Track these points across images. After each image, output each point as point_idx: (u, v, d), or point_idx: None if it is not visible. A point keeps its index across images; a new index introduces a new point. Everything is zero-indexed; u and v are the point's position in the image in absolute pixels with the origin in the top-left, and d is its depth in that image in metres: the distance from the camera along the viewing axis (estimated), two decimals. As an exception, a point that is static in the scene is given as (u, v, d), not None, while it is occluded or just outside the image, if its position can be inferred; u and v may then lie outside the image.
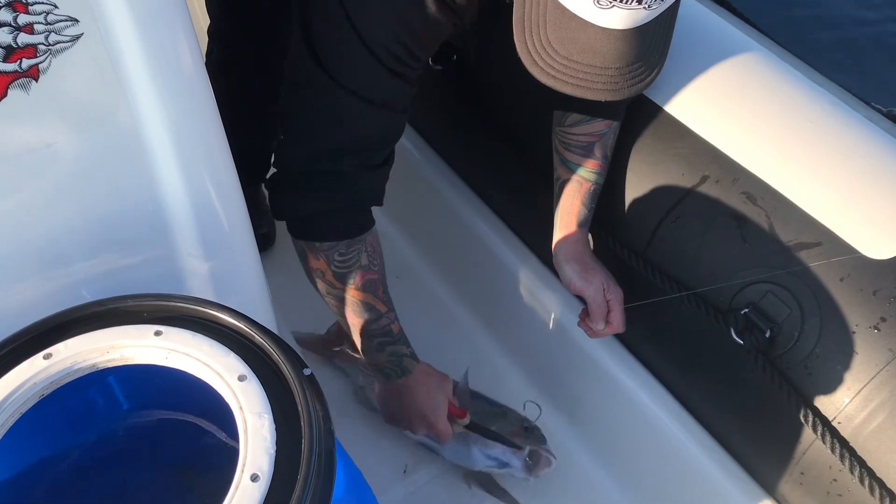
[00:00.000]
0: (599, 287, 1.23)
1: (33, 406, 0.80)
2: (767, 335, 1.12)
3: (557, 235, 1.28)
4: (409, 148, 1.70)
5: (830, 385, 1.08)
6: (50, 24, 0.84)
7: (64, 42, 0.85)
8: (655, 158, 1.28)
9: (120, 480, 0.92)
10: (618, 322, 1.24)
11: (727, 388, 1.21)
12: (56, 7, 0.83)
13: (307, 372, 0.81)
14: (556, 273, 1.34)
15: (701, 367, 1.25)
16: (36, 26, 0.83)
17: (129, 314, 0.86)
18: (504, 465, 1.41)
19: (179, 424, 0.89)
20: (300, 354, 0.84)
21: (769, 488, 1.21)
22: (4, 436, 0.77)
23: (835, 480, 1.08)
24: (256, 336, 0.83)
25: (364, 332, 1.28)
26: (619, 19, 0.93)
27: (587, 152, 1.26)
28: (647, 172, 1.28)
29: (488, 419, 1.42)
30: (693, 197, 1.23)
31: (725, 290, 1.16)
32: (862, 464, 1.05)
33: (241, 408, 0.77)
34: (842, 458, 1.05)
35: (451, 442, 1.41)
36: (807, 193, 1.16)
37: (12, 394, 0.78)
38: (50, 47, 0.85)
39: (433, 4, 1.11)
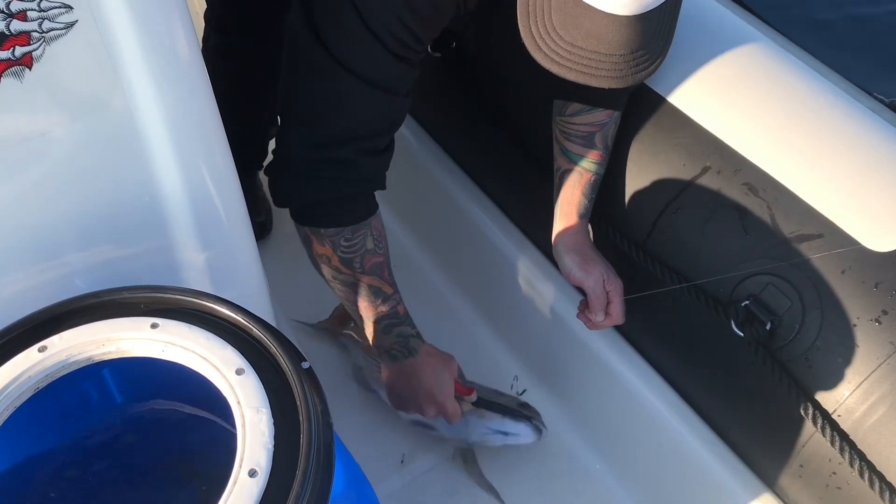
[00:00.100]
0: (599, 278, 1.22)
1: (28, 399, 0.80)
2: (768, 327, 1.11)
3: (557, 226, 1.27)
4: (408, 136, 1.69)
5: (831, 378, 1.08)
6: (43, 11, 0.82)
7: (58, 29, 0.84)
8: (656, 149, 1.27)
9: (117, 473, 0.91)
10: (617, 314, 1.23)
11: (727, 381, 1.21)
12: (50, -7, 0.82)
13: (305, 365, 0.81)
14: (554, 263, 1.33)
15: (701, 359, 1.25)
16: (29, 13, 0.81)
17: (125, 306, 0.85)
18: (508, 434, 1.41)
19: (177, 417, 0.89)
20: (298, 347, 0.83)
21: (768, 480, 1.21)
22: (-1, 429, 0.76)
23: (834, 473, 1.08)
24: (254, 329, 0.82)
25: (371, 315, 1.28)
26: (625, 5, 0.92)
27: (588, 142, 1.25)
28: (648, 163, 1.27)
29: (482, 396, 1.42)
30: (694, 188, 1.22)
31: (726, 282, 1.16)
32: (862, 457, 1.04)
33: (238, 402, 0.77)
34: (841, 451, 1.05)
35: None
36: (808, 185, 1.15)
37: (7, 387, 0.78)
38: (43, 35, 0.83)
39: None
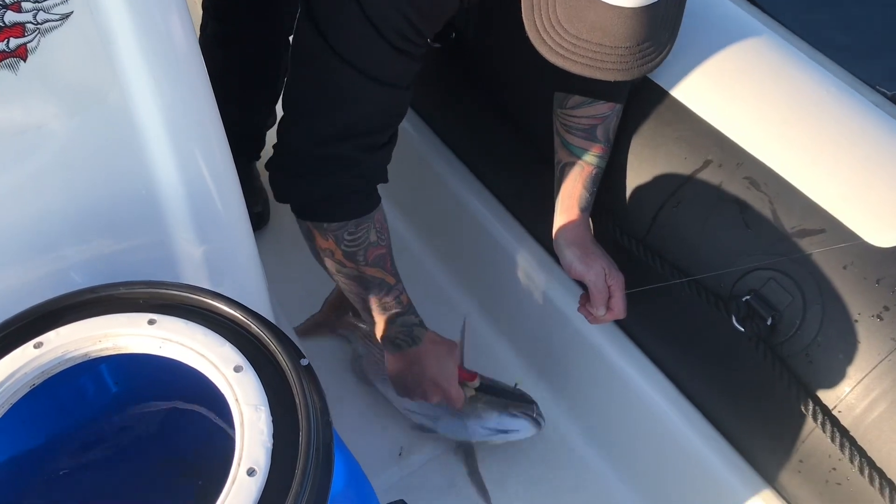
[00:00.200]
0: (601, 272, 1.21)
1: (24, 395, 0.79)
2: (769, 323, 1.11)
3: (558, 219, 1.26)
4: (407, 128, 1.68)
5: (832, 374, 1.07)
6: (38, 2, 0.81)
7: (53, 21, 0.82)
8: (657, 142, 1.26)
9: (114, 470, 0.91)
10: (619, 308, 1.22)
11: (727, 376, 1.20)
12: (44, -16, 0.81)
13: (304, 362, 0.80)
14: (554, 257, 1.32)
15: (701, 354, 1.24)
16: (24, 4, 0.80)
17: (122, 302, 0.84)
18: (508, 432, 1.41)
19: (175, 414, 0.88)
20: (297, 344, 0.83)
21: (767, 476, 1.20)
22: (-5, 426, 0.76)
23: (834, 469, 1.08)
24: (252, 325, 0.81)
25: (376, 306, 1.28)
26: None
27: (589, 135, 1.24)
28: (649, 156, 1.26)
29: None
30: (695, 181, 1.21)
31: (727, 277, 1.15)
32: (862, 453, 1.04)
33: (236, 399, 0.76)
34: (842, 447, 1.05)
35: (448, 418, 1.41)
36: (810, 179, 1.15)
37: (2, 384, 0.77)
38: (38, 26, 0.82)
39: None
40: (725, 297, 1.15)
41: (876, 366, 1.04)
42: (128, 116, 0.92)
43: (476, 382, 1.39)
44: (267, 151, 1.81)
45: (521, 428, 1.40)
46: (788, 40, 1.29)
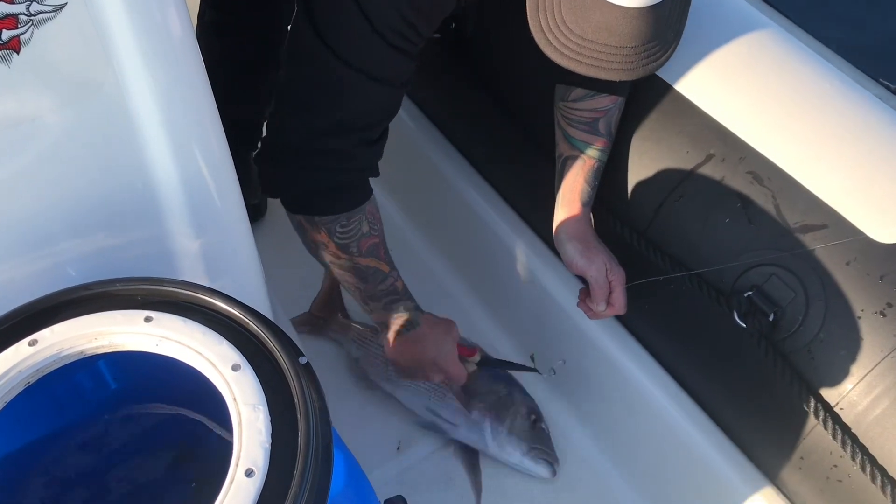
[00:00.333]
0: (602, 267, 1.21)
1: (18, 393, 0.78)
2: (771, 319, 1.10)
3: (559, 214, 1.25)
4: (405, 119, 1.66)
5: (834, 370, 1.07)
6: (31, -8, 0.79)
7: (46, 12, 0.81)
8: (659, 135, 1.25)
9: (111, 468, 0.90)
10: (619, 303, 1.22)
11: (729, 372, 1.20)
12: (38, -26, 0.79)
13: (303, 360, 0.79)
14: (554, 250, 1.31)
15: (703, 350, 1.23)
16: (16, -5, 0.78)
17: (118, 298, 0.83)
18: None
19: (172, 412, 0.87)
20: (296, 342, 0.81)
21: (768, 472, 1.20)
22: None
23: (835, 466, 1.07)
24: (251, 323, 0.80)
25: (372, 295, 1.29)
26: None
27: (591, 129, 1.23)
28: (651, 150, 1.25)
29: (496, 409, 1.42)
30: (697, 175, 1.20)
31: (729, 273, 1.14)
32: (864, 451, 1.03)
33: (234, 399, 0.75)
34: (843, 444, 1.04)
35: (466, 429, 1.42)
36: (814, 174, 1.14)
37: (-4, 382, 0.75)
38: (32, 17, 0.80)
39: None
40: (727, 293, 1.14)
41: (878, 363, 1.04)
42: (123, 109, 0.91)
43: (476, 357, 1.39)
44: (258, 151, 1.79)
45: (540, 473, 1.41)
46: (792, 33, 1.28)
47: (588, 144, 1.24)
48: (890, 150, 1.14)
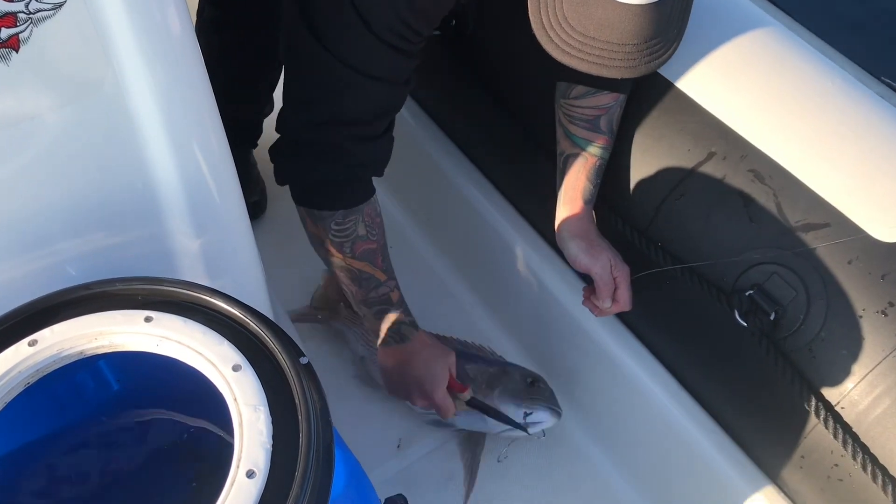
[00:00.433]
0: (606, 264, 1.20)
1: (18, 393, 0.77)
2: (772, 318, 1.10)
3: (562, 212, 1.25)
4: (405, 116, 1.66)
5: (835, 370, 1.06)
6: (30, -9, 0.79)
7: (45, 10, 0.80)
8: (660, 133, 1.24)
9: (111, 468, 0.90)
10: (625, 300, 1.21)
11: (729, 371, 1.19)
12: (37, -27, 0.79)
13: (304, 360, 0.78)
14: (555, 248, 1.31)
15: (704, 348, 1.23)
16: (15, -7, 0.78)
17: (118, 298, 0.82)
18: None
19: (173, 412, 0.87)
20: (296, 341, 0.81)
21: (769, 471, 1.20)
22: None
23: (836, 466, 1.07)
24: (251, 323, 0.80)
25: (362, 300, 1.29)
26: None
27: (593, 126, 1.22)
28: (652, 147, 1.24)
29: (490, 381, 1.40)
30: (699, 174, 1.20)
31: (730, 271, 1.14)
32: (865, 450, 1.03)
33: (235, 399, 0.74)
34: (844, 443, 1.04)
35: (465, 413, 1.39)
36: (815, 172, 1.13)
37: (-4, 383, 0.75)
38: (31, 16, 0.80)
39: None
40: (728, 292, 1.14)
41: (880, 362, 1.04)
42: (123, 107, 0.90)
43: (467, 395, 1.36)
44: (264, 139, 1.79)
45: (541, 420, 1.38)
46: (794, 31, 1.27)
47: (589, 142, 1.23)
48: (892, 149, 1.14)
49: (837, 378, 1.06)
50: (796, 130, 1.17)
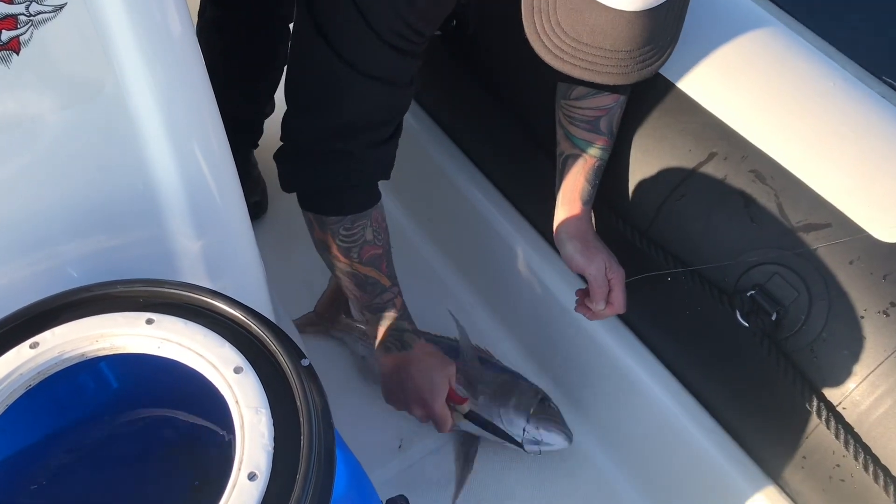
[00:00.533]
0: (601, 265, 1.20)
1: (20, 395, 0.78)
2: (773, 318, 1.10)
3: (560, 212, 1.25)
4: (406, 116, 1.64)
5: (837, 370, 1.06)
6: (31, -7, 0.79)
7: (46, 12, 0.80)
8: (661, 133, 1.24)
9: (113, 470, 0.90)
10: (619, 302, 1.21)
11: (731, 371, 1.19)
12: (37, -25, 0.79)
13: (305, 363, 0.78)
14: (555, 249, 1.31)
15: (705, 349, 1.23)
16: (16, -5, 0.78)
17: (119, 300, 0.82)
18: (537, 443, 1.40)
19: (174, 413, 0.87)
20: (298, 343, 0.81)
21: (770, 471, 1.20)
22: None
23: (838, 466, 1.07)
24: (253, 325, 0.80)
25: (367, 306, 1.28)
26: (631, 1, 0.90)
27: (593, 127, 1.22)
28: (653, 148, 1.24)
29: (498, 391, 1.40)
30: (699, 174, 1.20)
31: (731, 272, 1.14)
32: (867, 450, 1.03)
33: (237, 401, 0.74)
34: (846, 444, 1.04)
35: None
36: (817, 173, 1.13)
37: (-2, 385, 0.75)
38: (31, 18, 0.80)
39: None
40: (730, 292, 1.14)
41: (882, 362, 1.03)
42: (124, 109, 0.90)
43: (465, 408, 1.35)
44: (265, 139, 1.79)
45: (554, 442, 1.38)
46: (795, 30, 1.27)
47: (589, 143, 1.23)
48: (893, 149, 1.14)
49: (839, 378, 1.06)
50: (797, 131, 1.16)
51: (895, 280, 1.05)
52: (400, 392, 1.33)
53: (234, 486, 0.69)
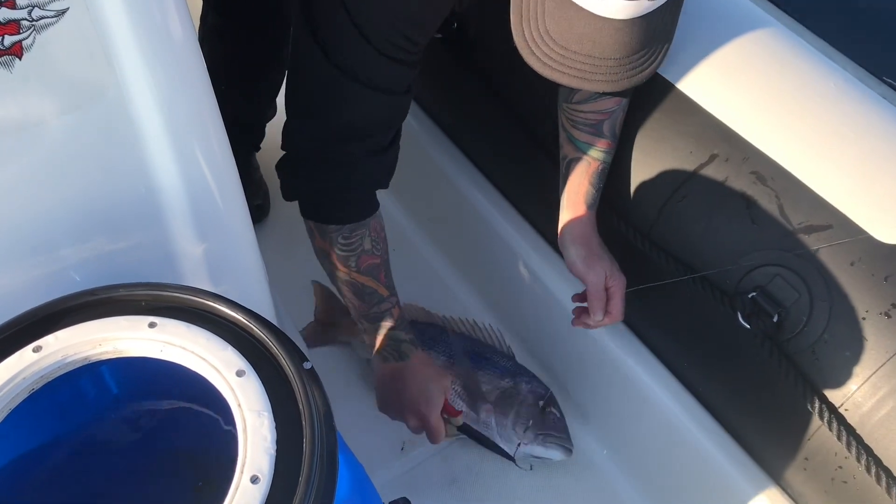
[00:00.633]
0: (601, 273, 1.20)
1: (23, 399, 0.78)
2: (775, 320, 1.10)
3: (564, 216, 1.25)
4: (408, 119, 1.65)
5: (838, 371, 1.06)
6: (33, -2, 0.79)
7: (48, 17, 0.81)
8: (662, 135, 1.24)
9: (115, 472, 0.90)
10: (617, 311, 1.21)
11: (733, 373, 1.19)
12: (39, -20, 0.79)
13: (307, 366, 0.78)
14: (558, 252, 1.31)
15: (706, 350, 1.23)
16: (18, 1, 0.78)
17: (122, 304, 0.82)
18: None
19: (176, 416, 0.87)
20: (300, 346, 0.81)
21: (772, 473, 1.20)
22: (-5, 431, 0.74)
23: (840, 468, 1.07)
24: (255, 328, 0.80)
25: (364, 315, 1.28)
26: (620, 9, 0.90)
27: (596, 130, 1.22)
28: (654, 150, 1.24)
29: (496, 402, 1.40)
30: (701, 176, 1.20)
31: (732, 273, 1.14)
32: (869, 452, 1.03)
33: (239, 405, 0.74)
34: (848, 445, 1.04)
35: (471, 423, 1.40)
36: (818, 174, 1.13)
37: (1, 389, 0.75)
38: (34, 23, 0.80)
39: None
40: (731, 294, 1.14)
41: (883, 364, 1.03)
42: (126, 113, 0.91)
43: (459, 420, 1.35)
44: (266, 143, 1.80)
45: (551, 456, 1.39)
46: (795, 31, 1.27)
47: (592, 146, 1.23)
48: (894, 150, 1.14)
49: (841, 380, 1.06)
50: (798, 132, 1.16)
51: (897, 281, 1.05)
52: (395, 401, 1.32)
53: (236, 489, 0.69)
